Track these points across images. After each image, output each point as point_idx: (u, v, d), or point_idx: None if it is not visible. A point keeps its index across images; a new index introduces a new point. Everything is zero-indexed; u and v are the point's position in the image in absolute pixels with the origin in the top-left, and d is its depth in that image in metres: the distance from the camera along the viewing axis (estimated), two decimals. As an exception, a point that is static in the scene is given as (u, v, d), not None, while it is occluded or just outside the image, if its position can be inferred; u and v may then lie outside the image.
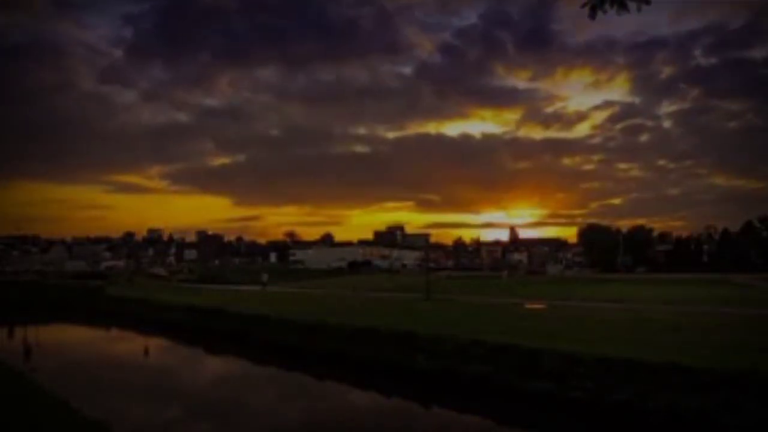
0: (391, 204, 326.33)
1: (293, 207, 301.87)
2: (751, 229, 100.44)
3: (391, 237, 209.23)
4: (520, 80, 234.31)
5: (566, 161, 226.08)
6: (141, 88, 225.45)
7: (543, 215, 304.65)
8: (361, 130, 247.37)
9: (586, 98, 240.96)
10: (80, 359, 26.53)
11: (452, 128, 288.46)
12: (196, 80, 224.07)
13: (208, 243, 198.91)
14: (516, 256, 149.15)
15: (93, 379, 20.83)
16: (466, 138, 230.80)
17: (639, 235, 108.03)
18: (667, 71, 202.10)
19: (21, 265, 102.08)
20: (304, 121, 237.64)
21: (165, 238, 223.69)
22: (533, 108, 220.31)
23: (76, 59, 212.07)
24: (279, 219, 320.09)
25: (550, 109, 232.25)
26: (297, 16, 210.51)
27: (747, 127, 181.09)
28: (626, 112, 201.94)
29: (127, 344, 31.88)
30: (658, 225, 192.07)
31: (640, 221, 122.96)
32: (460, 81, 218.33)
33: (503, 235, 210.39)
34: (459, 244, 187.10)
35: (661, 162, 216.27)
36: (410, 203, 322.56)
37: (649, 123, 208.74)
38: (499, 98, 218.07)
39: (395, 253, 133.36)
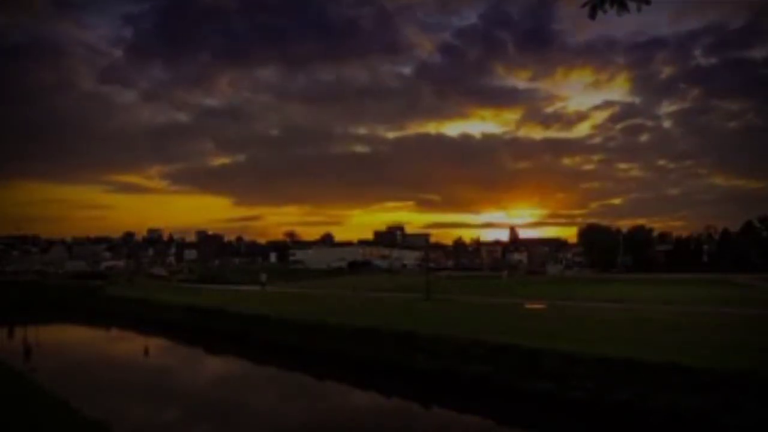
0: (391, 204, 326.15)
1: (293, 207, 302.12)
2: (751, 229, 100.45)
3: (391, 237, 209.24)
4: (520, 80, 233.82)
5: (566, 161, 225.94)
6: (141, 88, 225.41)
7: (543, 215, 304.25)
8: (361, 130, 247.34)
9: (586, 98, 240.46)
10: (80, 359, 26.54)
11: (452, 128, 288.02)
12: (195, 80, 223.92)
13: (208, 243, 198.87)
14: (516, 256, 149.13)
15: (93, 379, 20.84)
16: (466, 138, 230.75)
17: (639, 235, 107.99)
18: (667, 71, 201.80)
19: (21, 265, 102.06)
20: (304, 121, 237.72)
21: (165, 238, 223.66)
22: (533, 108, 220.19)
23: (75, 59, 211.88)
24: (279, 219, 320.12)
25: (550, 109, 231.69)
26: (297, 16, 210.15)
27: (747, 127, 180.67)
28: (626, 112, 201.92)
29: (127, 344, 31.88)
30: (658, 225, 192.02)
31: (640, 221, 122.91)
32: (460, 81, 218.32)
33: (503, 235, 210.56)
34: (459, 244, 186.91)
35: (661, 162, 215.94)
36: (410, 203, 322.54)
37: (649, 123, 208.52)
38: (499, 98, 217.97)
39: (395, 253, 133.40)
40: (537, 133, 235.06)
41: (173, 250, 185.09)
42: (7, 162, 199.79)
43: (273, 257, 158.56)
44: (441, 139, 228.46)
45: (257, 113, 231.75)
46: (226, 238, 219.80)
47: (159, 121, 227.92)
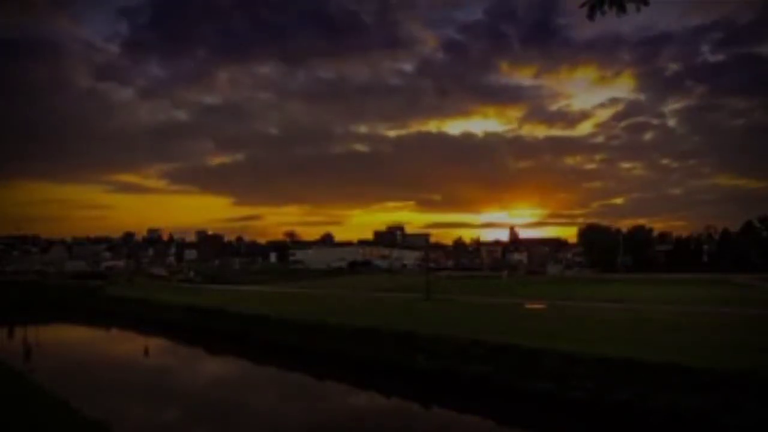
0: (391, 204, 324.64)
1: (293, 207, 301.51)
2: (751, 229, 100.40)
3: (391, 237, 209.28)
4: (524, 77, 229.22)
5: (568, 160, 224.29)
6: (138, 86, 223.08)
7: (544, 215, 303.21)
8: (362, 129, 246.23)
9: (590, 95, 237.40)
10: (80, 359, 26.54)
11: (454, 126, 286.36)
12: (194, 77, 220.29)
13: (208, 243, 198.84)
14: (516, 256, 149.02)
15: (93, 379, 20.84)
16: (467, 136, 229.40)
17: (639, 235, 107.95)
18: (673, 68, 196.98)
19: (21, 265, 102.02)
20: (305, 120, 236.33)
21: (165, 238, 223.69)
22: (537, 105, 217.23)
23: (72, 55, 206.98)
24: (279, 219, 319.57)
25: (554, 107, 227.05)
26: (297, 11, 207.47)
27: (753, 125, 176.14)
28: (631, 109, 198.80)
29: (127, 344, 31.88)
30: (659, 225, 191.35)
31: (641, 221, 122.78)
32: (463, 78, 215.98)
33: (503, 235, 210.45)
34: (459, 244, 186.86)
35: (665, 161, 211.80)
36: (411, 203, 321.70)
37: (654, 121, 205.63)
38: (503, 95, 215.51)
39: (395, 253, 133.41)
40: (540, 132, 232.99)
41: (173, 250, 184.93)
42: (7, 162, 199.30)
43: (273, 257, 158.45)
44: (442, 138, 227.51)
45: (257, 111, 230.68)
46: (226, 238, 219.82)
47: (158, 120, 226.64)
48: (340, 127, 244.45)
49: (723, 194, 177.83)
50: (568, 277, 72.64)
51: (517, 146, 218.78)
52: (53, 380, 16.76)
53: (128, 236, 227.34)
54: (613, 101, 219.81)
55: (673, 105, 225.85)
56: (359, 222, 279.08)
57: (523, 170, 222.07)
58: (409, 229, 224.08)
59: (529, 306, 29.85)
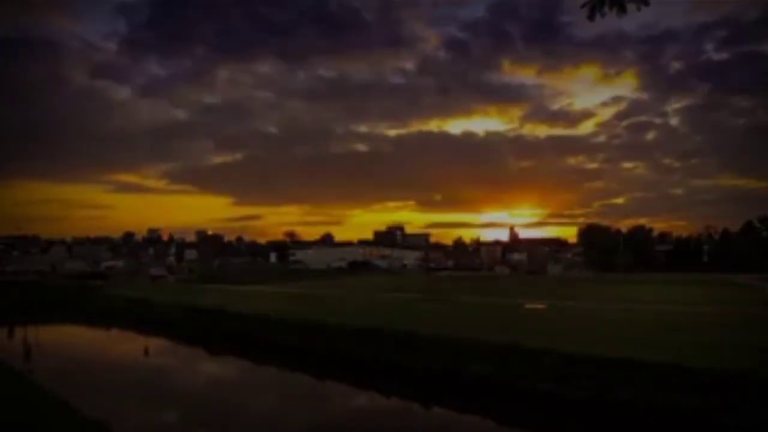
0: (392, 204, 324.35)
1: (293, 207, 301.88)
2: (751, 229, 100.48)
3: (391, 237, 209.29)
4: (526, 76, 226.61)
5: (570, 160, 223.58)
6: (137, 84, 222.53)
7: (544, 215, 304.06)
8: (362, 128, 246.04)
9: (593, 94, 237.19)
10: (80, 359, 26.52)
11: (455, 126, 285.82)
12: (193, 75, 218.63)
13: (208, 243, 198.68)
14: (516, 256, 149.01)
15: (93, 380, 20.83)
16: (469, 136, 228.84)
17: (639, 235, 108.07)
18: (676, 66, 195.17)
19: (21, 265, 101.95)
20: (305, 119, 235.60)
21: (165, 238, 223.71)
22: (538, 104, 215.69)
23: (70, 53, 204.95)
24: (279, 219, 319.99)
25: (555, 106, 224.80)
26: (297, 8, 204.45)
27: (755, 125, 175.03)
28: (633, 108, 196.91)
29: (127, 344, 31.86)
30: (660, 225, 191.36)
31: (642, 221, 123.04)
32: (465, 76, 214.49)
33: (504, 235, 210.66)
34: (459, 244, 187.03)
35: (667, 161, 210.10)
36: (411, 203, 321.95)
37: (657, 120, 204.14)
38: (505, 94, 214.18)
39: (395, 253, 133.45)
40: (541, 131, 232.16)
41: (173, 250, 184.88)
42: (7, 162, 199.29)
43: (273, 257, 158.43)
44: (443, 137, 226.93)
45: (257, 110, 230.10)
46: (226, 238, 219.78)
47: (157, 119, 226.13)
48: (340, 127, 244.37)
49: (724, 194, 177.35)
50: (568, 277, 72.66)
51: (519, 145, 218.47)
52: (53, 380, 16.75)
53: (128, 236, 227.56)
54: (616, 100, 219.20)
55: (675, 104, 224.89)
56: (359, 222, 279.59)
57: (524, 170, 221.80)
58: (409, 229, 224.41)
59: (529, 306, 29.85)
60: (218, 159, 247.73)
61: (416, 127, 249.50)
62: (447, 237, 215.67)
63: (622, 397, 13.84)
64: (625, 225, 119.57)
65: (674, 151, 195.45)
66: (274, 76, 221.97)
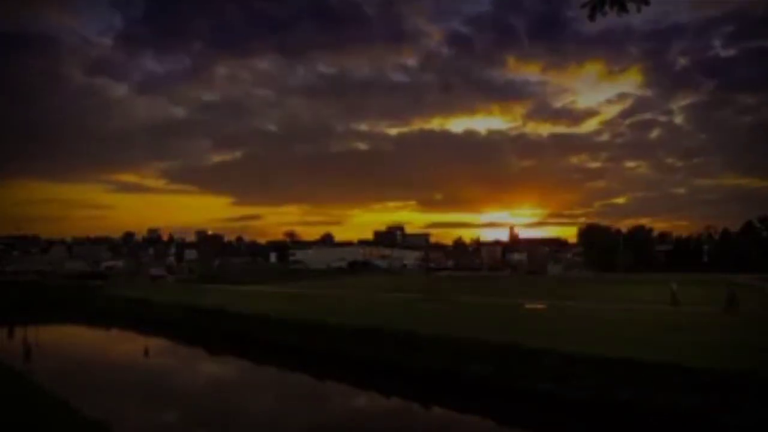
0: (392, 203, 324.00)
1: (293, 206, 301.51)
2: (751, 229, 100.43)
3: (391, 237, 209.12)
4: (530, 72, 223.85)
5: (572, 159, 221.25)
6: (134, 81, 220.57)
7: (545, 215, 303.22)
8: (363, 127, 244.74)
9: (597, 92, 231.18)
10: (80, 359, 26.52)
11: (457, 124, 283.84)
12: (190, 72, 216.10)
13: (208, 243, 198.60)
14: (516, 256, 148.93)
15: (93, 380, 20.83)
16: (470, 134, 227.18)
17: (639, 235, 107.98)
18: (682, 62, 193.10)
19: (21, 265, 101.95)
20: (305, 116, 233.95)
21: (165, 238, 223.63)
22: (542, 102, 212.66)
23: (67, 49, 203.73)
24: (279, 219, 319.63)
25: (559, 104, 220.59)
26: (296, 2, 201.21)
27: (759, 122, 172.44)
28: (638, 106, 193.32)
29: (127, 344, 31.86)
30: (662, 225, 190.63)
31: (643, 221, 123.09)
32: (468, 73, 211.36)
33: (504, 235, 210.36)
34: (459, 244, 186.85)
35: (670, 160, 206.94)
36: (412, 202, 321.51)
37: (661, 118, 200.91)
38: (508, 91, 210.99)
39: (395, 253, 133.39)
40: (544, 129, 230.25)
41: (173, 250, 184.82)
42: (7, 162, 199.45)
43: (273, 257, 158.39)
44: (445, 136, 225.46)
45: (256, 108, 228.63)
46: (226, 238, 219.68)
47: (156, 117, 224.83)
48: (340, 125, 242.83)
49: (726, 194, 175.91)
50: (568, 277, 72.66)
51: (521, 144, 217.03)
52: (53, 380, 16.76)
53: (128, 236, 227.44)
54: (620, 97, 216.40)
55: (680, 101, 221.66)
56: (359, 222, 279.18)
57: (526, 169, 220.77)
58: (409, 229, 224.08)
59: (529, 306, 29.85)
60: (217, 158, 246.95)
61: (418, 125, 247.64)
62: (447, 237, 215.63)
63: (622, 397, 13.84)
64: (625, 225, 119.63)
65: (678, 149, 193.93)
66: (273, 73, 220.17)
